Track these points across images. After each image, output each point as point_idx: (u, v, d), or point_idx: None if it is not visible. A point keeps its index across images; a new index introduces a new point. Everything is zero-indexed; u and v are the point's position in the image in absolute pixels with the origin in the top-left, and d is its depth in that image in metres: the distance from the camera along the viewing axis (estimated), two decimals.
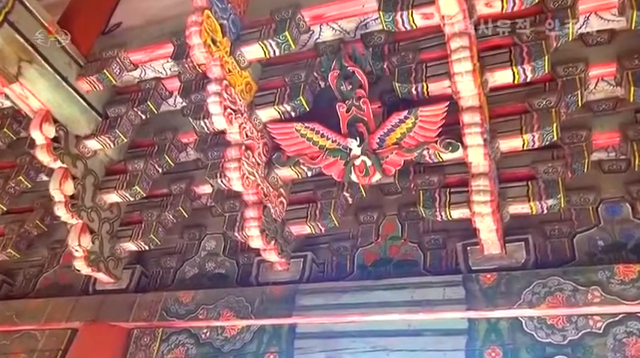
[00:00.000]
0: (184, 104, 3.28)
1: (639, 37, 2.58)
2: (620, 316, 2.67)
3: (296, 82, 2.89)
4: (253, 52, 2.78)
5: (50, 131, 3.20)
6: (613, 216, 3.00)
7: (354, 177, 2.90)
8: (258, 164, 3.00)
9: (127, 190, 3.44)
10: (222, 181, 3.15)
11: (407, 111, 2.69)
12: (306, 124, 2.88)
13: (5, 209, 3.80)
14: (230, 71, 2.74)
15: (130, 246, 3.67)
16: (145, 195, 3.50)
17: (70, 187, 3.31)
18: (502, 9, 2.36)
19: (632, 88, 2.57)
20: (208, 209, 3.92)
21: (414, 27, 2.47)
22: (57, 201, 3.31)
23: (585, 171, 2.85)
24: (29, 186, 3.81)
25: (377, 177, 2.88)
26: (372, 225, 3.50)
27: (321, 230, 3.24)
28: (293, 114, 2.91)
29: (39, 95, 3.13)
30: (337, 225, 3.23)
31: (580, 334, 2.70)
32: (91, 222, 3.48)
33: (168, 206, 3.63)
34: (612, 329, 2.66)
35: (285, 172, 3.09)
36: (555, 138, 2.67)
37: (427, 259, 3.24)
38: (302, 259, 3.46)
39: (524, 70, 2.50)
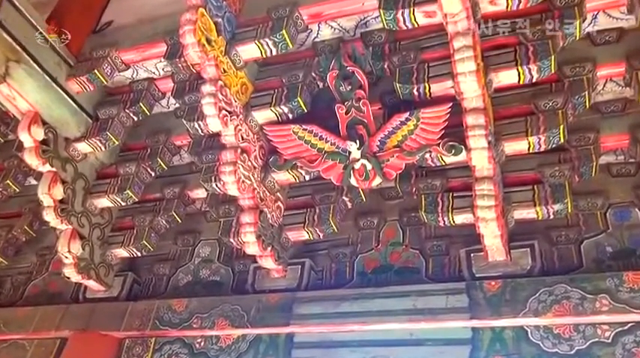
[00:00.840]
0: (178, 105, 3.25)
1: None
2: (630, 325, 2.61)
3: (293, 82, 2.86)
4: (249, 51, 2.74)
5: (39, 133, 3.16)
6: (622, 222, 2.95)
7: (353, 181, 2.86)
8: (255, 167, 2.95)
9: (118, 195, 3.40)
10: (216, 185, 3.09)
11: (408, 113, 2.65)
12: (303, 126, 2.85)
13: None
14: (225, 71, 2.70)
15: (122, 253, 3.62)
16: (137, 199, 3.45)
17: (59, 191, 3.26)
18: (507, 7, 2.33)
19: None
20: (202, 214, 3.88)
21: (416, 25, 2.42)
22: (46, 205, 3.26)
23: (593, 174, 2.81)
24: (17, 190, 3.77)
25: (377, 181, 2.84)
26: (372, 231, 3.44)
27: (319, 236, 3.20)
28: (290, 115, 2.88)
29: (27, 96, 3.09)
30: (336, 230, 3.18)
31: (588, 343, 2.64)
32: (81, 228, 3.43)
33: (161, 211, 3.59)
34: (621, 339, 2.60)
35: (282, 176, 3.04)
36: (562, 140, 2.63)
37: (429, 266, 3.18)
38: (300, 266, 3.40)
39: (529, 70, 2.46)
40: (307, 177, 3.00)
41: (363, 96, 2.69)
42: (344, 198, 3.19)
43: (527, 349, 2.70)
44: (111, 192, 3.41)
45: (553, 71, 2.48)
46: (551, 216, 2.78)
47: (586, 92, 2.61)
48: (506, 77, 2.51)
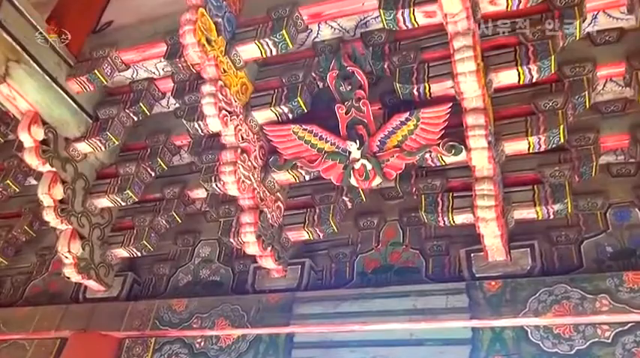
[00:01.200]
0: (178, 105, 3.24)
1: None
2: (630, 325, 2.61)
3: (293, 82, 2.85)
4: (249, 51, 2.73)
5: (39, 133, 3.15)
6: (622, 222, 2.94)
7: (353, 181, 2.85)
8: (255, 167, 2.95)
9: (118, 195, 3.39)
10: (216, 185, 3.08)
11: (408, 113, 2.65)
12: (303, 126, 2.84)
13: None
14: (225, 71, 2.69)
15: (122, 253, 3.61)
16: (137, 199, 3.44)
17: (59, 191, 3.26)
18: (507, 7, 2.32)
19: None
20: (202, 214, 3.87)
21: (416, 25, 2.42)
22: (46, 205, 3.25)
23: (593, 174, 2.80)
24: (17, 190, 3.77)
25: (377, 181, 2.83)
26: (372, 231, 3.43)
27: (319, 236, 3.19)
28: (290, 115, 2.87)
29: (27, 96, 3.08)
30: (336, 230, 3.17)
31: (588, 344, 2.63)
32: (81, 228, 3.42)
33: (161, 211, 3.59)
34: (621, 339, 2.60)
35: (282, 176, 3.04)
36: (562, 140, 2.62)
37: (429, 266, 3.17)
38: (300, 266, 3.38)
39: (529, 70, 2.46)
40: (307, 177, 2.99)
41: (363, 96, 2.68)
42: (344, 198, 3.18)
43: (527, 349, 2.70)
44: (111, 192, 3.40)
45: (553, 71, 2.47)
46: (551, 216, 2.78)
47: (586, 92, 2.61)
48: (506, 77, 2.50)
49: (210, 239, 3.80)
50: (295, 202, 3.27)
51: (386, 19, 2.40)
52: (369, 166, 2.77)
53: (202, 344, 3.32)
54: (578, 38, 2.49)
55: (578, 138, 2.78)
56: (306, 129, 2.83)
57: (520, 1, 2.27)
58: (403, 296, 2.96)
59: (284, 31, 2.62)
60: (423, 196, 2.89)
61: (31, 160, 3.16)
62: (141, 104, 3.26)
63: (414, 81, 2.60)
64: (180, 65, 2.91)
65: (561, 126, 2.56)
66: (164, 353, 3.37)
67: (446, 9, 2.23)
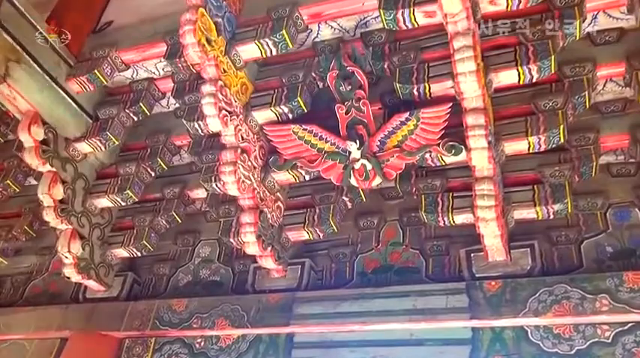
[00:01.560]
0: (178, 105, 3.24)
1: None
2: (630, 325, 2.61)
3: (293, 82, 2.86)
4: (249, 51, 2.73)
5: (39, 133, 3.15)
6: (622, 222, 2.94)
7: (353, 181, 2.85)
8: (255, 167, 2.95)
9: (118, 195, 3.40)
10: (216, 185, 3.08)
11: (408, 113, 2.65)
12: (303, 126, 2.84)
13: None
14: (225, 71, 2.69)
15: (122, 253, 3.61)
16: (137, 199, 3.45)
17: (59, 191, 3.26)
18: (507, 7, 2.32)
19: None
20: (202, 214, 3.87)
21: (416, 25, 2.42)
22: (46, 205, 3.26)
23: (593, 174, 2.80)
24: (17, 190, 3.77)
25: (377, 181, 2.83)
26: (372, 231, 3.43)
27: (319, 236, 3.19)
28: (290, 115, 2.87)
29: (27, 96, 3.08)
30: (336, 230, 3.17)
31: (588, 343, 2.63)
32: (81, 228, 3.43)
33: (161, 211, 3.59)
34: (621, 339, 2.60)
35: (282, 176, 3.04)
36: (562, 140, 2.62)
37: (429, 266, 3.18)
38: (300, 266, 3.38)
39: (529, 70, 2.46)
40: (307, 177, 2.99)
41: (363, 96, 2.68)
42: (344, 198, 3.18)
43: (527, 349, 2.70)
44: (111, 192, 3.40)
45: (553, 71, 2.47)
46: (551, 216, 2.77)
47: (586, 92, 2.61)
48: (506, 77, 2.50)
49: (210, 239, 3.80)
50: (295, 202, 3.27)
51: (386, 19, 2.41)
52: (369, 166, 2.77)
53: (202, 344, 3.33)
54: (578, 38, 2.49)
55: (578, 138, 2.78)
56: (306, 129, 2.83)
57: (520, 1, 2.28)
58: (403, 296, 2.96)
59: (284, 31, 2.63)
60: (423, 196, 2.89)
61: (31, 160, 3.16)
62: (141, 104, 3.26)
63: (414, 81, 2.60)
64: (180, 65, 2.91)
65: (561, 126, 2.56)
66: (164, 353, 3.37)
67: (446, 9, 2.23)
